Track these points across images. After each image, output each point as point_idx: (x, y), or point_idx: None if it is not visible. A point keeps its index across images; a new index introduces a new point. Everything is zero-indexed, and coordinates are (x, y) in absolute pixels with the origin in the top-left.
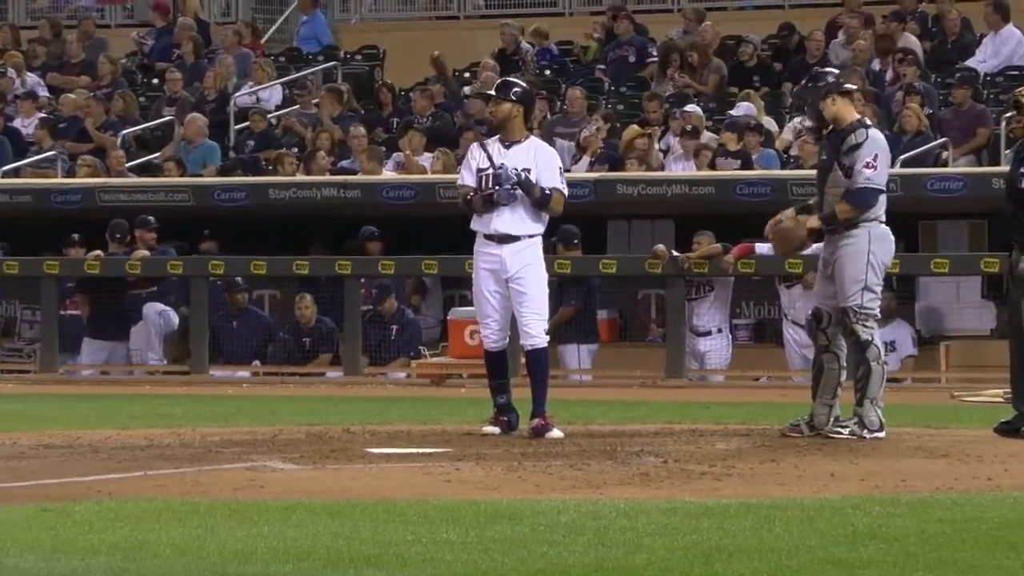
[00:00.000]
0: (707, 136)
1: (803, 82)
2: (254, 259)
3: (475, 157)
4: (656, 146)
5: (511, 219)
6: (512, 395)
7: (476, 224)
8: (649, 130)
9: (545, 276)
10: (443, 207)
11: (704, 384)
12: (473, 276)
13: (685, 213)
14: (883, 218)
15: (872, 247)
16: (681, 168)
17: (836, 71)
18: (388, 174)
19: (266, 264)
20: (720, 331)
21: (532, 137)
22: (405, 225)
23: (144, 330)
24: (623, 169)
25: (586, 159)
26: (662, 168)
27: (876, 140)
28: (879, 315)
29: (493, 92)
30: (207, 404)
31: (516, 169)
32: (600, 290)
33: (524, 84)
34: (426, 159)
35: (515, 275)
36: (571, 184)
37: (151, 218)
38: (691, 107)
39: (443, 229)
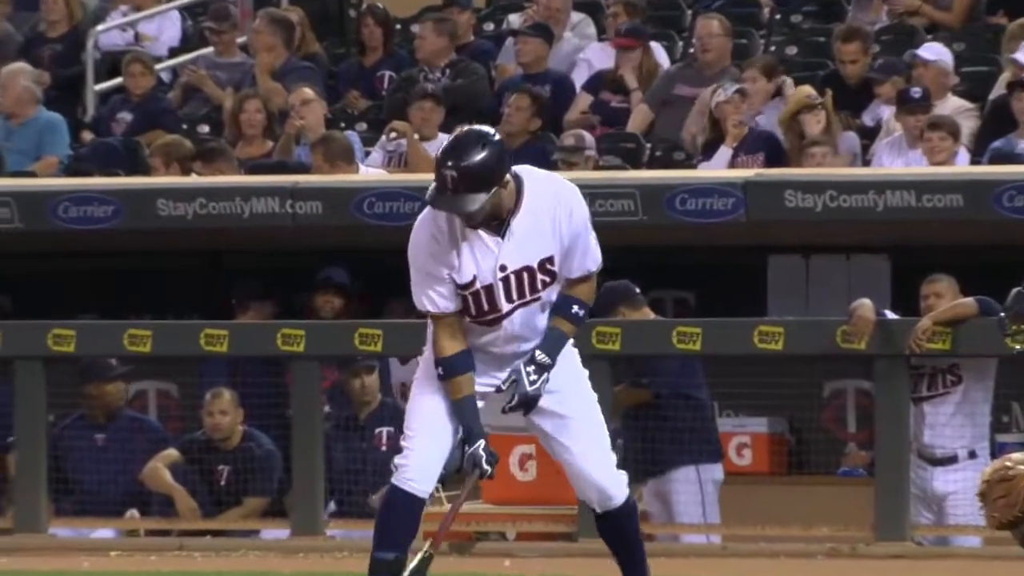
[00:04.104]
0: (951, 104)
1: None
2: (131, 326)
3: (442, 257)
4: (834, 122)
5: (532, 337)
6: None
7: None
8: (824, 98)
9: (588, 384)
10: None
11: (945, 551)
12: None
13: (909, 242)
14: None
15: None
16: (902, 162)
17: None
18: (372, 172)
19: (152, 335)
20: (974, 456)
21: (527, 186)
22: (401, 264)
23: None
24: (796, 163)
25: (726, 148)
26: (864, 159)
27: None
28: None
29: (446, 207)
30: None
31: (484, 448)
32: (741, 380)
33: (482, 149)
34: (440, 145)
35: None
36: (704, 190)
37: None
38: (926, 49)
39: None
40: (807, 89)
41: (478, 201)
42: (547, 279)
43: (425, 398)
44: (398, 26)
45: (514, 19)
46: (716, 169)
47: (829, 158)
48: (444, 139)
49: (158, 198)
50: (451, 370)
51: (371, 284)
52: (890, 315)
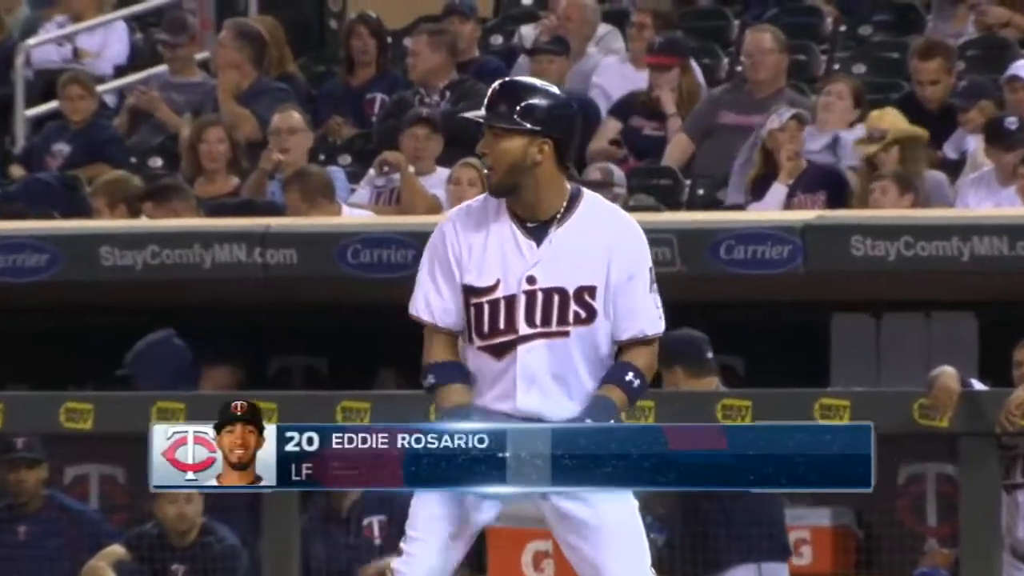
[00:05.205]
0: None
1: None
2: (69, 397)
3: (455, 251)
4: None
5: (557, 392)
6: None
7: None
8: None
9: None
10: None
11: None
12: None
13: (1000, 297)
14: None
15: None
16: (992, 203)
17: None
18: (357, 213)
19: (93, 409)
20: None
21: (584, 201)
22: (393, 325)
23: None
24: (863, 203)
25: (781, 185)
26: (945, 199)
27: None
28: None
29: (482, 114)
30: None
31: None
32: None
33: (550, 92)
34: (438, 181)
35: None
36: (754, 236)
37: None
38: (1019, 66)
39: None
40: (895, 113)
41: (506, 122)
42: (582, 313)
43: (432, 496)
44: (389, 39)
45: (527, 31)
46: (769, 210)
47: (891, 195)
48: (443, 173)
49: (101, 245)
50: (444, 376)
51: (357, 348)
52: (977, 385)
